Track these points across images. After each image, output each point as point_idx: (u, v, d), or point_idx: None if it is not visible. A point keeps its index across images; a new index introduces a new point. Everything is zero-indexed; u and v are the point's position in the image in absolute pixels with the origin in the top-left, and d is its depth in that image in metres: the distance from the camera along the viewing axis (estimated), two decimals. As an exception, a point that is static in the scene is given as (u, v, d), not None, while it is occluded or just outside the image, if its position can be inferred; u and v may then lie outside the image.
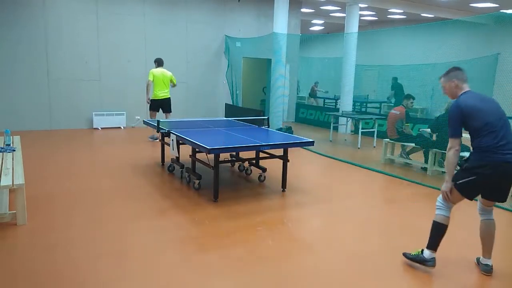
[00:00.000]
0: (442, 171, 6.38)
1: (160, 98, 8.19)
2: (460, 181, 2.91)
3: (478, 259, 3.26)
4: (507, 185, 2.96)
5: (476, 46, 12.45)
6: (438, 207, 3.09)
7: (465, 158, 3.01)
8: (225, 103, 10.73)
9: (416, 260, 3.10)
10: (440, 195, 3.08)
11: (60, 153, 6.93)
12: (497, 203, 4.91)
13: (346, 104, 10.65)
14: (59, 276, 2.89)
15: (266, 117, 6.47)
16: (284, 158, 5.11)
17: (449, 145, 2.91)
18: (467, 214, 4.26)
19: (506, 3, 11.35)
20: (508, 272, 3.26)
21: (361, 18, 14.12)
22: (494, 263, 3.21)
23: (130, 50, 10.01)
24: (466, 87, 3.04)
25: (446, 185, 2.99)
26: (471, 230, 3.44)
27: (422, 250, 3.10)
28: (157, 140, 7.53)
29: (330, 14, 15.14)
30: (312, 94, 14.80)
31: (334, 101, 13.44)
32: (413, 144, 6.67)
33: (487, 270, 3.12)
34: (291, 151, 5.45)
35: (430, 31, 12.69)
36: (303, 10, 13.71)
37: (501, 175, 2.83)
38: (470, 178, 2.87)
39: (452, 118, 2.92)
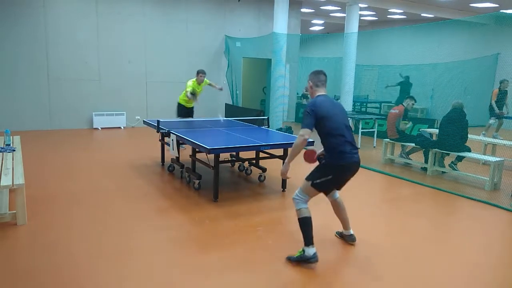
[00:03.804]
0: (442, 171, 6.38)
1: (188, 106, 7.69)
2: (318, 181, 3.14)
3: (340, 233, 3.69)
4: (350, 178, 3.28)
5: (476, 46, 12.46)
6: (296, 201, 3.21)
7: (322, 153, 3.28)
8: (225, 103, 10.75)
9: (301, 260, 3.13)
10: (297, 191, 3.23)
11: (60, 153, 6.93)
12: (496, 203, 4.98)
13: (346, 104, 10.64)
14: (59, 276, 2.89)
15: (266, 117, 6.48)
16: (284, 158, 5.10)
17: (301, 133, 3.04)
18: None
19: (506, 3, 11.34)
20: (509, 273, 3.25)
21: (361, 18, 14.12)
22: (497, 265, 3.21)
23: (130, 50, 10.02)
24: (322, 91, 3.27)
25: (286, 167, 3.25)
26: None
27: (303, 249, 3.13)
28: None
29: (330, 14, 15.14)
30: (305, 95, 14.55)
31: (334, 101, 13.39)
32: (413, 144, 6.67)
33: (352, 239, 3.58)
34: (291, 151, 5.44)
35: (430, 31, 12.71)
36: (303, 10, 13.71)
37: (351, 173, 3.19)
38: (327, 178, 3.12)
39: (310, 113, 3.10)
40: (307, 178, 3.18)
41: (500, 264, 3.39)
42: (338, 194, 3.55)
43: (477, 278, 3.11)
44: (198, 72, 7.24)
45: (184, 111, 7.56)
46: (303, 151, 3.27)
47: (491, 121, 9.57)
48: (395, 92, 12.39)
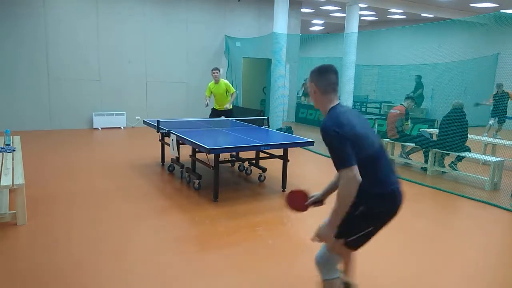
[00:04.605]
0: (442, 171, 6.38)
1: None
2: (354, 237, 2.08)
3: None
4: None
5: (476, 46, 12.45)
6: (322, 268, 2.17)
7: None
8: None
9: None
10: (322, 252, 2.17)
11: (60, 153, 6.93)
12: (496, 203, 4.96)
13: (346, 104, 10.61)
14: (59, 276, 2.89)
15: (266, 117, 6.48)
16: (284, 158, 5.11)
17: (346, 175, 1.91)
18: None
19: (506, 3, 11.34)
20: (509, 273, 3.25)
21: (361, 18, 14.11)
22: (497, 265, 3.20)
23: (130, 50, 10.01)
24: (334, 99, 2.13)
25: (328, 230, 2.05)
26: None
27: None
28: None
29: (330, 14, 15.14)
30: (305, 93, 14.53)
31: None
32: (413, 144, 6.67)
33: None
34: (291, 151, 5.45)
35: (430, 31, 12.71)
36: (303, 10, 13.70)
37: (396, 214, 2.14)
38: (367, 231, 2.08)
39: (339, 138, 1.97)
40: (337, 235, 2.09)
41: (500, 264, 3.39)
42: None
43: (477, 278, 3.11)
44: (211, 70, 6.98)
45: (215, 113, 7.16)
46: (288, 193, 2.41)
47: (491, 121, 9.60)
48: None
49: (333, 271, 2.17)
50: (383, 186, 2.06)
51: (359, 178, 1.90)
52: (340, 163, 1.94)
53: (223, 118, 7.03)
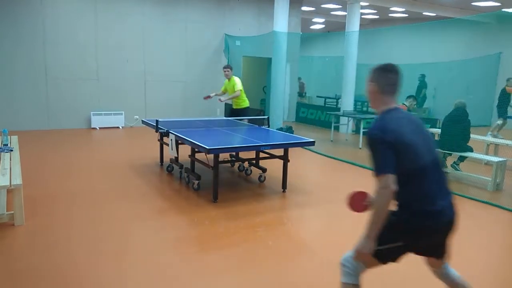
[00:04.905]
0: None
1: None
2: (382, 247, 1.94)
3: None
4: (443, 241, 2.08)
5: (478, 45, 12.40)
6: (345, 270, 2.08)
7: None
8: (225, 103, 10.69)
9: None
10: (348, 255, 2.09)
11: (58, 153, 6.89)
12: (498, 204, 4.91)
13: (347, 103, 10.60)
14: (57, 277, 2.85)
15: (266, 117, 6.43)
16: (285, 158, 5.06)
17: (382, 183, 1.85)
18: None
19: (508, 2, 11.27)
20: (510, 274, 3.21)
21: (362, 16, 14.05)
22: (499, 266, 3.16)
23: (128, 50, 9.96)
24: (392, 101, 2.05)
25: (367, 244, 1.91)
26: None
27: None
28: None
29: (331, 13, 15.08)
30: (300, 93, 14.39)
31: (335, 100, 13.39)
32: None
33: None
34: (292, 151, 5.41)
35: (432, 30, 12.66)
36: (304, 8, 13.64)
37: (439, 236, 2.02)
38: (396, 244, 1.95)
39: (382, 144, 1.90)
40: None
41: (502, 265, 3.35)
42: (448, 264, 2.18)
43: (478, 279, 3.06)
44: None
45: (231, 112, 7.21)
46: (350, 194, 2.25)
47: (499, 121, 9.55)
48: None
49: (354, 276, 2.05)
50: (426, 203, 1.90)
51: (393, 187, 1.81)
52: (375, 168, 1.88)
53: (232, 117, 7.04)
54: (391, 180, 1.81)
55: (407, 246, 1.96)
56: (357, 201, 2.25)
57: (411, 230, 1.92)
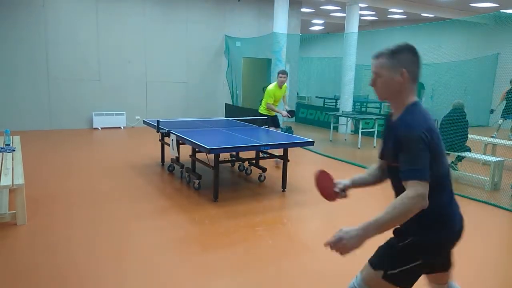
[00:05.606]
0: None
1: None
2: (396, 271, 1.68)
3: None
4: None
5: (476, 46, 12.44)
6: None
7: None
8: (225, 103, 10.74)
9: None
10: (357, 280, 1.79)
11: (60, 153, 6.93)
12: (496, 203, 4.96)
13: (346, 104, 10.65)
14: (58, 276, 2.88)
15: (266, 117, 6.47)
16: (284, 158, 5.10)
17: (415, 191, 1.52)
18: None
19: (506, 3, 11.33)
20: (509, 273, 3.25)
21: (361, 18, 14.11)
22: (497, 265, 3.20)
23: (130, 50, 10.01)
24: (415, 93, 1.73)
25: (357, 241, 1.55)
26: None
27: None
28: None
29: (330, 14, 15.13)
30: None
31: (334, 101, 13.45)
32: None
33: None
34: (291, 151, 5.45)
35: (430, 31, 12.70)
36: (303, 10, 13.70)
37: (453, 247, 1.78)
38: (414, 264, 1.68)
39: (424, 142, 1.57)
40: (375, 265, 1.76)
41: (500, 264, 3.39)
42: (453, 282, 1.95)
43: (476, 278, 3.11)
44: (277, 73, 6.36)
45: (271, 120, 6.53)
46: (318, 171, 2.06)
47: (500, 121, 9.60)
48: None
49: None
50: (452, 213, 1.70)
51: (427, 201, 1.52)
52: (414, 173, 1.54)
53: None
54: (427, 189, 1.53)
55: (426, 264, 1.69)
56: (326, 184, 2.05)
57: (435, 244, 1.68)
